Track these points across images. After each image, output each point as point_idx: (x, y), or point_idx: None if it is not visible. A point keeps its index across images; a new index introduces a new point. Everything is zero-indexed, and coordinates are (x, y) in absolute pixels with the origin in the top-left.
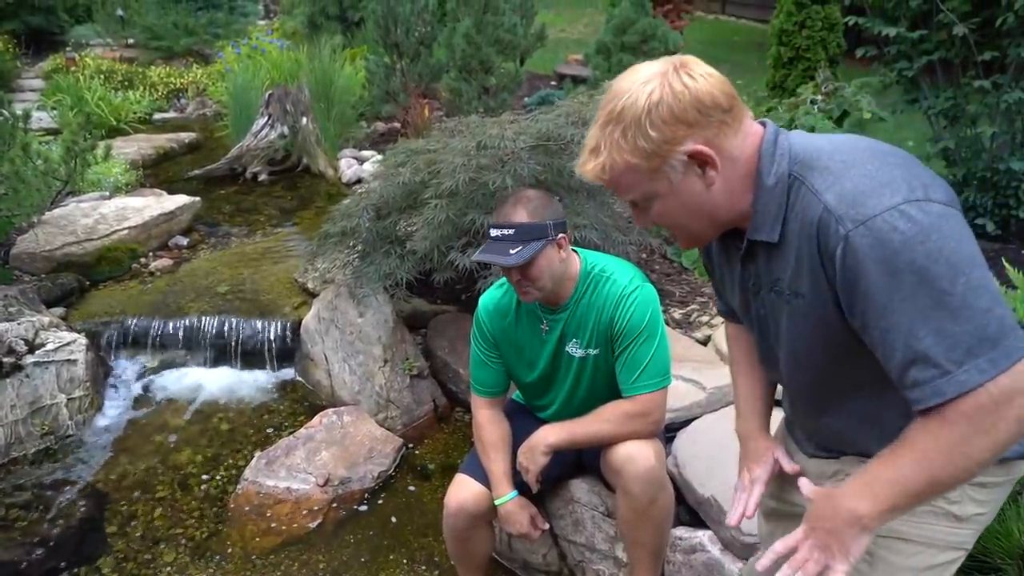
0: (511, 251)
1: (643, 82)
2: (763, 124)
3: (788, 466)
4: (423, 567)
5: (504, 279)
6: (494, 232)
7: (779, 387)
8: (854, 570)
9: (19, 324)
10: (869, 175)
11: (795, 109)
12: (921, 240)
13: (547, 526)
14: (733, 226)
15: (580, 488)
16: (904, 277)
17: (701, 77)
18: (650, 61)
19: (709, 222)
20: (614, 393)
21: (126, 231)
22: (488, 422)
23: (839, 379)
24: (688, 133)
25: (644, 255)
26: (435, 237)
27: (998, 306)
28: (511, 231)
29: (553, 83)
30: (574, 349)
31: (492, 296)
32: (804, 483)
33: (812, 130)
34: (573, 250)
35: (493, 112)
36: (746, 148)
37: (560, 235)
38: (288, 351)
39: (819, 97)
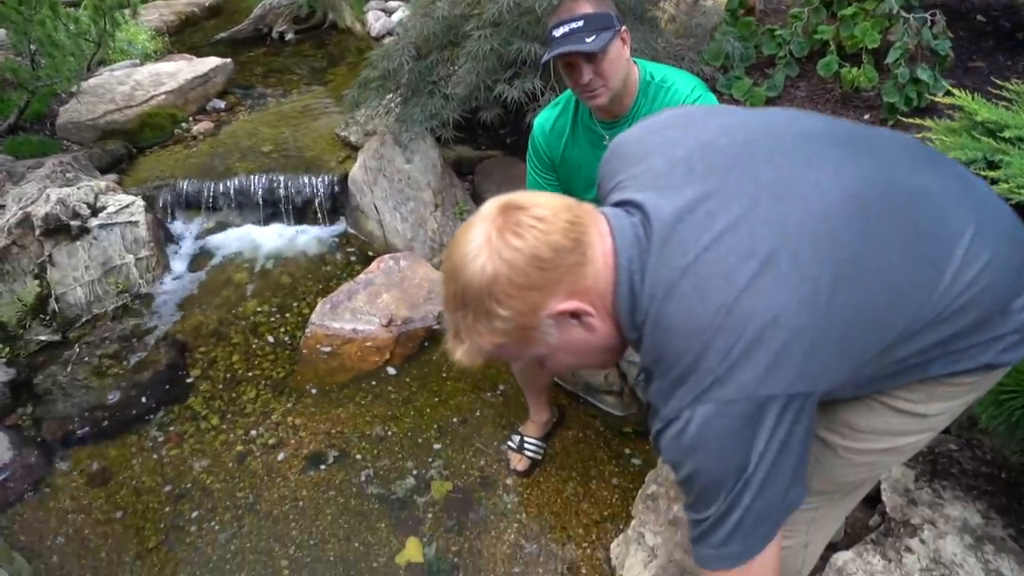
0: (587, 39)
1: (472, 257)
2: (614, 248)
3: None
4: (488, 394)
5: (559, 98)
6: (560, 30)
7: None
8: (818, 461)
9: (79, 188)
10: (680, 370)
11: None
12: (690, 455)
13: None
14: None
15: None
16: (681, 483)
17: (531, 228)
18: (476, 218)
19: (611, 351)
20: None
21: (163, 96)
22: None
23: None
24: (542, 295)
25: None
26: (480, 70)
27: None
28: (580, 22)
29: None
30: None
31: (547, 116)
32: None
33: None
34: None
35: None
36: (602, 283)
37: (624, 28)
38: (338, 205)
39: None
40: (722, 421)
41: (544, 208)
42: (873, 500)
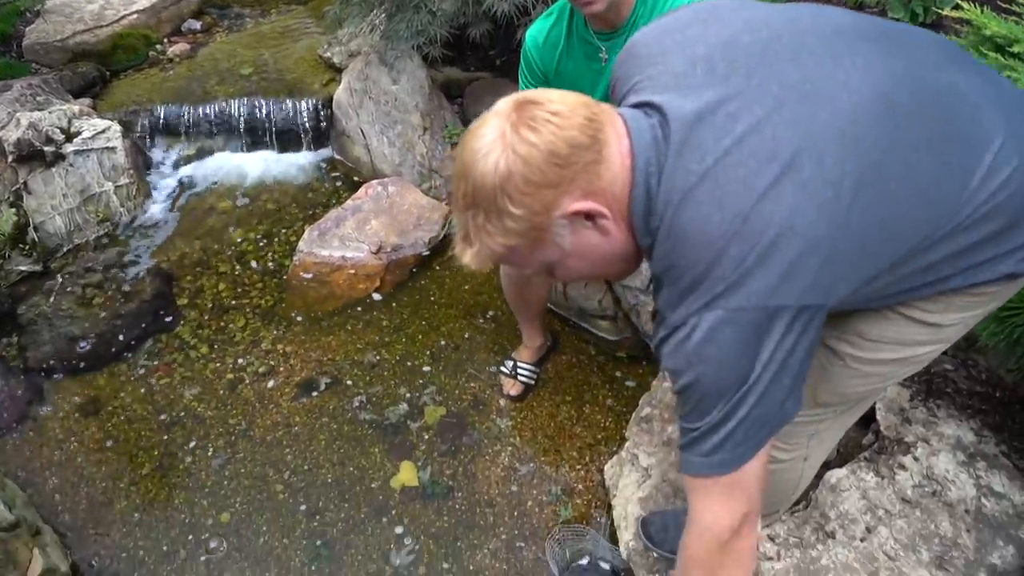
0: None
1: (484, 153)
2: (631, 149)
3: None
4: (481, 320)
5: (552, 8)
6: None
7: None
8: (826, 372)
9: (51, 113)
10: (691, 278)
11: None
12: (693, 363)
13: None
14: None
15: None
16: (678, 392)
17: (546, 123)
18: (489, 114)
19: (626, 260)
20: None
21: (135, 15)
22: None
23: None
24: (557, 194)
25: None
26: None
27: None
28: None
29: None
30: None
31: (540, 27)
32: None
33: None
34: None
35: None
36: (618, 186)
37: None
38: (323, 130)
39: None
40: (729, 329)
41: (560, 103)
42: (867, 420)
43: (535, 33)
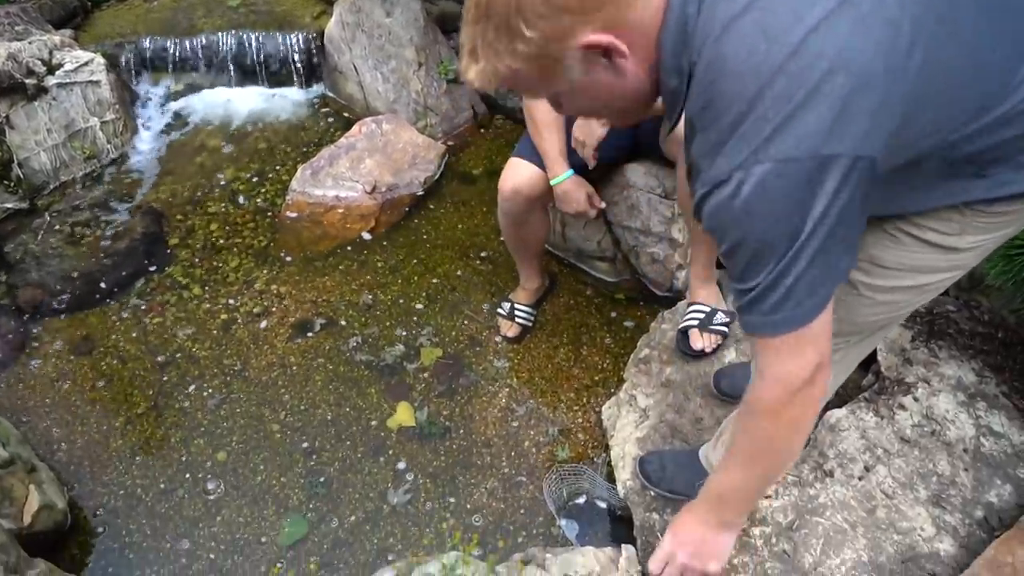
0: None
1: None
2: None
3: None
4: (477, 262)
5: None
6: None
7: None
8: (839, 301)
9: (30, 43)
10: (730, 119)
11: None
12: (740, 222)
13: (603, 204)
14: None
15: (635, 172)
16: (725, 254)
17: None
18: None
19: (637, 102)
20: None
21: None
22: (541, 100)
23: None
24: (576, 21)
25: None
26: None
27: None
28: None
29: None
30: None
31: None
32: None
33: None
34: None
35: None
36: (648, 16)
37: None
38: (315, 66)
39: None
40: (779, 182)
41: None
42: (867, 361)
43: None
